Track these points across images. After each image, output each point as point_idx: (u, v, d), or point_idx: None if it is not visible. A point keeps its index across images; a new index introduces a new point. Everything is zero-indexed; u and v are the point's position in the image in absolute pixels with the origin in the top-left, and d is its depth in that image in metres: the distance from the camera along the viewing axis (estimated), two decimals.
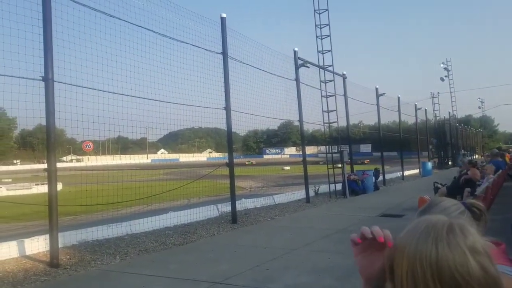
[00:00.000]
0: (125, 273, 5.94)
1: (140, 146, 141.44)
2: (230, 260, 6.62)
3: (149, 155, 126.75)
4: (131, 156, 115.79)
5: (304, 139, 15.84)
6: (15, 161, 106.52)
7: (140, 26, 8.83)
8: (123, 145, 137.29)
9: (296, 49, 14.84)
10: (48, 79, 6.64)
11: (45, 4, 6.65)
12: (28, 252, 7.03)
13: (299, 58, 14.83)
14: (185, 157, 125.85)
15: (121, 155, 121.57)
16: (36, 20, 6.63)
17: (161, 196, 13.59)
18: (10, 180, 45.69)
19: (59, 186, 11.41)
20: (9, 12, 6.58)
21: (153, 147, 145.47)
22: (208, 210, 11.28)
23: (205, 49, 10.53)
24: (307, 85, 15.66)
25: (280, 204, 13.52)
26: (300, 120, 14.76)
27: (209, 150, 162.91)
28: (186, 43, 10.07)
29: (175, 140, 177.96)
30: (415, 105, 30.06)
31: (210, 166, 14.30)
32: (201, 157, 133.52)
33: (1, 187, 33.00)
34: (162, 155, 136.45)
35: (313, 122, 16.85)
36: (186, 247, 7.80)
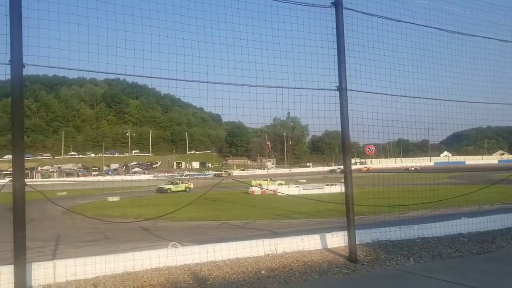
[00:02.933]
0: (421, 276, 5.90)
1: (421, 148, 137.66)
2: None
3: (431, 157, 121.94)
4: (413, 159, 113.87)
5: None
6: (308, 164, 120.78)
7: (425, 26, 8.62)
8: (403, 148, 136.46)
9: None
10: (342, 89, 7.26)
11: (338, 21, 7.29)
12: (329, 245, 7.86)
13: None
14: (472, 160, 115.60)
15: (402, 158, 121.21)
16: (331, 36, 7.34)
17: (448, 201, 12.94)
18: (305, 180, 52.16)
19: None
20: (309, 32, 7.53)
21: (436, 149, 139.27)
22: (507, 218, 10.10)
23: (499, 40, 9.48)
24: None
25: None
26: None
27: (500, 151, 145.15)
28: (476, 36, 9.29)
29: (460, 142, 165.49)
30: None
31: (504, 170, 12.75)
32: (491, 159, 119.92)
33: (298, 187, 38.19)
34: (445, 157, 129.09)
35: None
36: (484, 256, 7.21)
